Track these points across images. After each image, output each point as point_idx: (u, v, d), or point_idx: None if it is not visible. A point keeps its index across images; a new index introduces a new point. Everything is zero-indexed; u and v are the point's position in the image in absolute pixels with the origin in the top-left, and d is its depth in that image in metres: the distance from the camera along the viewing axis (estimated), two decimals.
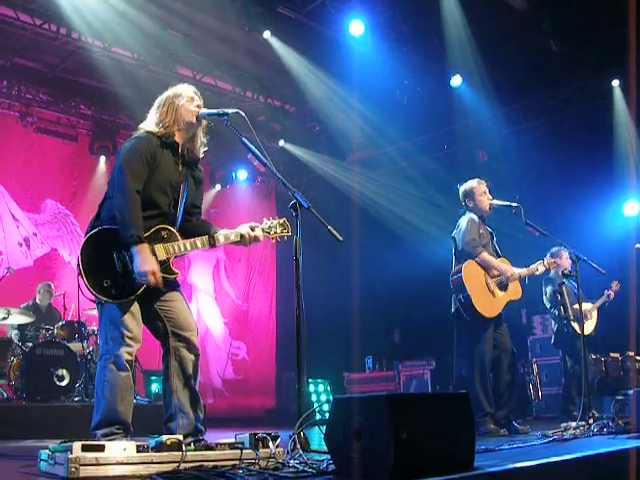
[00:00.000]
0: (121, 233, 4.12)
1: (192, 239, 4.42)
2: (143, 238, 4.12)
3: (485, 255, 6.90)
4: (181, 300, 4.45)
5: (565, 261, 8.95)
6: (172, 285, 4.41)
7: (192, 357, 4.36)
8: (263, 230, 4.59)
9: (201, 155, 4.63)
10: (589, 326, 9.22)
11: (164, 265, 4.25)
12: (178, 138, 4.48)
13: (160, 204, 4.35)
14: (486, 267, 6.92)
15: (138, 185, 4.20)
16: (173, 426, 4.27)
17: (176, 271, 4.36)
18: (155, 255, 4.21)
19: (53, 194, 12.85)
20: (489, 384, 6.79)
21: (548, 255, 8.53)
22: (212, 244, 4.48)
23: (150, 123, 4.48)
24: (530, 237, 7.31)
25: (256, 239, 4.55)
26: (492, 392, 6.81)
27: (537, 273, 7.14)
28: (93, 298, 4.18)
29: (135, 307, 4.23)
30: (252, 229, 4.54)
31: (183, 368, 4.32)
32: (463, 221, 7.07)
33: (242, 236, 4.51)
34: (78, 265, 4.13)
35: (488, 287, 6.87)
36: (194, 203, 4.63)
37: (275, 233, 4.61)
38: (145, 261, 4.08)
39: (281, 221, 4.65)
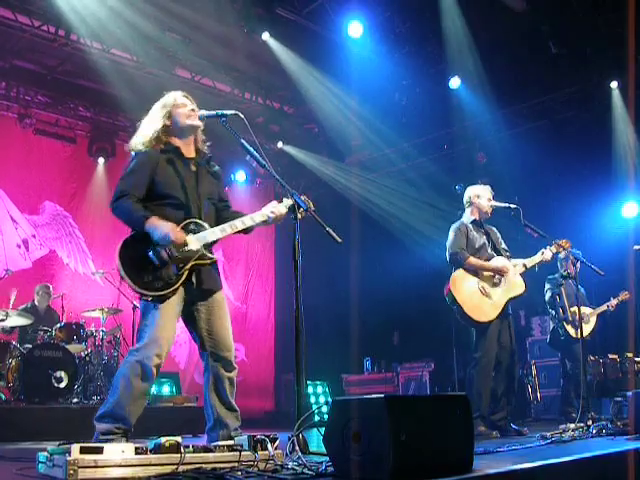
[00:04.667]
0: (134, 227, 4.32)
1: (221, 225, 4.55)
2: (150, 215, 4.26)
3: (471, 259, 6.87)
4: (223, 316, 4.58)
5: (571, 266, 8.96)
6: (216, 283, 4.59)
7: (228, 374, 4.52)
8: (286, 207, 4.68)
9: (206, 150, 4.73)
10: (586, 330, 9.21)
11: (198, 253, 4.38)
12: (179, 143, 4.59)
13: (185, 203, 4.47)
14: (476, 271, 6.90)
15: (132, 190, 4.35)
16: (215, 435, 4.45)
17: (213, 256, 4.51)
18: (187, 245, 4.33)
19: (52, 196, 12.84)
20: (489, 386, 6.77)
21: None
22: (239, 228, 4.59)
23: (146, 137, 4.56)
24: (529, 239, 7.30)
25: (280, 214, 4.67)
26: (490, 393, 6.79)
27: (545, 258, 7.07)
28: (137, 296, 4.33)
29: (174, 311, 4.37)
30: (274, 207, 4.69)
31: (219, 385, 4.50)
32: (451, 230, 7.10)
33: (267, 216, 4.64)
34: (119, 270, 4.23)
35: (482, 291, 6.83)
36: (221, 197, 4.79)
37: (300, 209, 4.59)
38: (160, 227, 4.23)
39: (302, 197, 4.62)
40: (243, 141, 4.47)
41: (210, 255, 4.48)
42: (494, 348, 6.82)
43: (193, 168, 4.60)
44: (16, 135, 12.29)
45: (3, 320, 9.34)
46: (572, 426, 6.04)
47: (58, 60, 11.83)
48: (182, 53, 11.47)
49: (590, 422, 6.12)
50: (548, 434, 5.61)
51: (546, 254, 7.05)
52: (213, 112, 4.55)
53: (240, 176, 14.67)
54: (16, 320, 9.64)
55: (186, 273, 4.33)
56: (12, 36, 10.88)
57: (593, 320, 9.40)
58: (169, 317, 4.33)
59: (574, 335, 9.04)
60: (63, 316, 10.29)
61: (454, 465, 3.14)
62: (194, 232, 4.42)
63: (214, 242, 4.52)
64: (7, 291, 10.30)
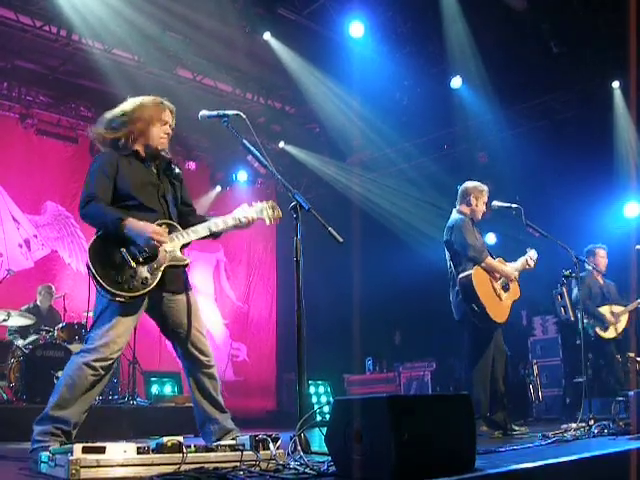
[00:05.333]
0: (108, 228, 4.22)
1: (194, 227, 4.52)
2: (125, 215, 4.21)
3: (490, 260, 6.80)
4: (192, 317, 4.53)
5: (600, 259, 8.88)
6: (184, 284, 4.56)
7: (207, 371, 4.51)
8: (256, 213, 4.70)
9: (163, 150, 4.64)
10: (617, 328, 9.13)
11: (173, 254, 4.35)
12: (140, 148, 4.56)
13: (151, 204, 4.44)
14: (490, 272, 6.85)
15: (98, 194, 4.30)
16: (206, 432, 4.49)
17: (186, 258, 4.46)
18: (161, 247, 4.30)
19: (53, 196, 12.85)
20: (488, 386, 6.76)
21: (586, 253, 8.63)
22: (213, 231, 4.57)
23: (114, 127, 4.60)
24: (530, 238, 7.29)
25: (252, 219, 4.67)
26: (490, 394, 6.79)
27: (527, 267, 7.07)
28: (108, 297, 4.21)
29: (133, 319, 4.34)
30: (246, 211, 4.68)
31: (199, 383, 4.50)
32: (457, 225, 6.93)
33: (240, 220, 4.63)
34: (89, 269, 4.16)
35: (495, 292, 6.82)
36: (184, 201, 4.73)
37: (268, 215, 4.71)
38: (142, 228, 4.20)
39: (270, 203, 4.76)
40: (245, 141, 4.46)
41: (184, 258, 4.45)
42: (492, 350, 6.82)
43: (154, 170, 4.57)
44: (18, 135, 12.29)
45: (5, 320, 9.35)
46: (574, 426, 6.04)
47: (60, 60, 11.83)
48: (183, 53, 11.46)
49: (592, 422, 6.11)
50: (550, 434, 5.60)
51: (529, 263, 7.05)
52: (215, 112, 4.53)
53: (241, 176, 14.68)
54: (18, 320, 9.65)
55: (160, 274, 4.28)
56: (14, 36, 10.88)
57: (624, 318, 9.25)
58: (127, 325, 4.30)
59: (605, 336, 9.01)
60: (65, 316, 10.29)
61: (456, 465, 3.13)
62: (167, 233, 4.38)
63: (187, 244, 4.49)
64: (9, 291, 10.31)
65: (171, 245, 4.35)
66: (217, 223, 4.57)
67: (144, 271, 4.23)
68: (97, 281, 4.14)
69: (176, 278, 4.47)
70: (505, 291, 6.87)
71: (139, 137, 4.51)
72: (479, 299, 6.64)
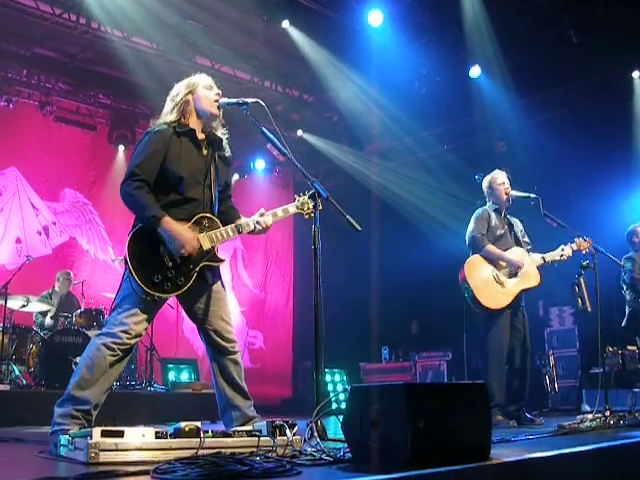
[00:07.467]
0: (141, 220, 4.19)
1: (231, 225, 4.49)
2: (162, 214, 4.15)
3: (490, 247, 6.90)
4: (220, 305, 4.52)
5: None
6: (215, 276, 4.53)
7: (231, 357, 4.49)
8: (297, 207, 4.63)
9: (223, 136, 4.63)
10: None
11: (210, 253, 4.35)
12: (195, 125, 4.49)
13: (194, 193, 4.39)
14: (492, 259, 6.92)
15: (145, 175, 4.24)
16: (227, 419, 4.47)
17: (222, 258, 4.47)
18: (200, 245, 4.29)
19: (72, 183, 12.94)
20: (503, 375, 6.78)
21: (628, 234, 8.54)
22: (241, 232, 4.54)
23: (166, 114, 4.51)
24: (548, 228, 7.26)
25: (267, 227, 4.59)
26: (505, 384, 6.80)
27: (565, 254, 7.04)
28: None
29: (155, 310, 4.38)
30: (261, 215, 4.60)
31: (222, 369, 4.48)
32: (472, 216, 7.15)
33: (254, 225, 4.55)
34: (126, 263, 4.16)
35: (496, 278, 6.84)
36: (227, 183, 4.68)
37: (308, 209, 4.60)
38: (176, 235, 4.15)
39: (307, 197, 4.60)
40: (264, 129, 4.46)
41: (220, 257, 4.45)
42: (506, 339, 6.83)
43: (204, 152, 4.49)
44: (37, 122, 12.37)
45: (25, 306, 9.44)
46: (589, 417, 6.02)
47: (79, 48, 11.89)
48: (202, 41, 11.48)
49: (607, 413, 6.10)
50: (566, 424, 5.60)
51: (566, 251, 7.03)
52: (234, 100, 4.52)
53: (259, 164, 14.69)
54: (37, 306, 9.73)
55: (195, 275, 4.29)
56: (33, 24, 10.94)
57: None
58: (148, 314, 4.29)
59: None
60: (83, 302, 10.36)
61: (472, 453, 3.14)
62: (206, 229, 4.36)
63: (224, 241, 4.47)
64: (28, 277, 10.39)
65: (209, 244, 4.34)
66: (249, 223, 4.53)
67: (180, 272, 4.23)
68: (132, 275, 4.13)
69: (208, 273, 4.45)
70: (511, 278, 6.88)
71: (190, 107, 4.46)
72: (468, 284, 6.84)
